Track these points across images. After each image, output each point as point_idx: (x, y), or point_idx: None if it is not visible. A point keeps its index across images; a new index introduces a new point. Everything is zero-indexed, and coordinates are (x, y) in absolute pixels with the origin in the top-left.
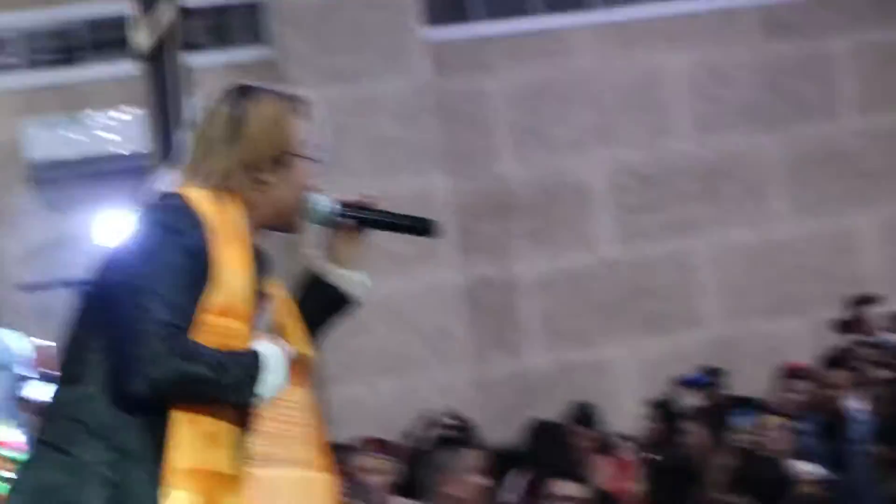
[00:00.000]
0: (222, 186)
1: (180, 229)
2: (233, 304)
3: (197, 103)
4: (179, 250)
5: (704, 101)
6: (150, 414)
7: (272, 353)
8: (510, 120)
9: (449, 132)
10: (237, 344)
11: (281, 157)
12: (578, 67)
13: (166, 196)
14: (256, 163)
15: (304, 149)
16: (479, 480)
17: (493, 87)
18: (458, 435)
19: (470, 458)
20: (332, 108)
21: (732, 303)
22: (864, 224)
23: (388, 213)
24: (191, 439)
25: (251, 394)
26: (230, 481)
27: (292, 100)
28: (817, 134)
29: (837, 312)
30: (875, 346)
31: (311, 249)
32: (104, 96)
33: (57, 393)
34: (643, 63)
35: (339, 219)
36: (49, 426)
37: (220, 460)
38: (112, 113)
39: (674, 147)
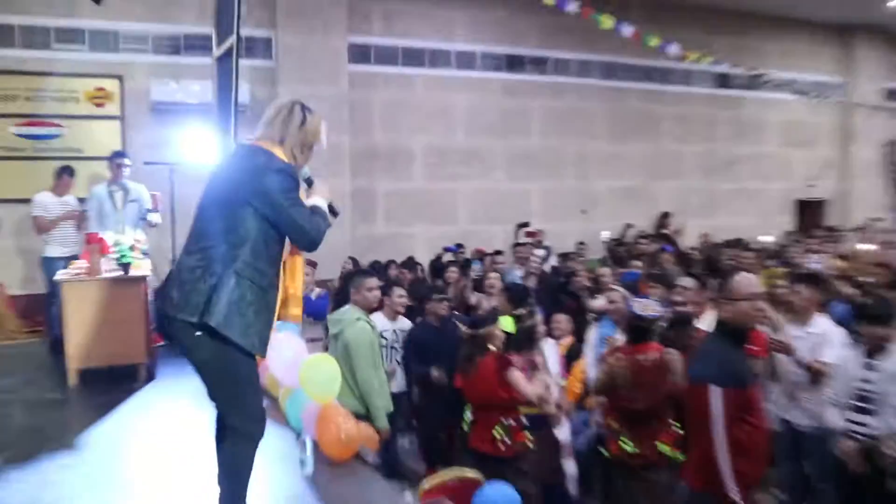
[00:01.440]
0: (286, 153)
1: (292, 174)
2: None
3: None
4: (296, 183)
5: None
6: (274, 264)
7: (321, 203)
8: None
9: None
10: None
11: (310, 145)
12: None
13: (263, 150)
14: (301, 146)
15: (317, 142)
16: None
17: None
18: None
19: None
20: None
21: None
22: None
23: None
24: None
25: (327, 224)
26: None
27: (318, 113)
28: None
29: None
30: None
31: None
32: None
33: (230, 247)
34: None
35: (308, 182)
36: (235, 264)
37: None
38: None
39: None
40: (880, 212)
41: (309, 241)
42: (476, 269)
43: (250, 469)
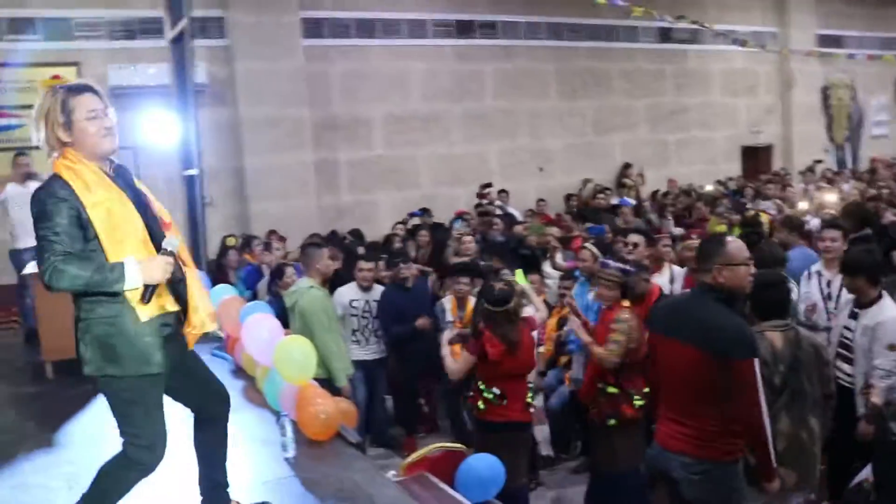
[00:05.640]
0: (59, 157)
1: (63, 197)
2: (113, 224)
3: None
4: (66, 211)
5: None
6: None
7: (131, 264)
8: None
9: None
10: (131, 241)
11: (66, 125)
12: None
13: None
14: (61, 141)
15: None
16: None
17: None
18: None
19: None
20: None
21: None
22: None
23: None
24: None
25: (118, 285)
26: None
27: (69, 88)
28: None
29: None
30: None
31: None
32: None
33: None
34: None
35: None
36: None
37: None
38: None
39: None
40: (819, 154)
41: (45, 280)
42: (457, 228)
43: (124, 493)
